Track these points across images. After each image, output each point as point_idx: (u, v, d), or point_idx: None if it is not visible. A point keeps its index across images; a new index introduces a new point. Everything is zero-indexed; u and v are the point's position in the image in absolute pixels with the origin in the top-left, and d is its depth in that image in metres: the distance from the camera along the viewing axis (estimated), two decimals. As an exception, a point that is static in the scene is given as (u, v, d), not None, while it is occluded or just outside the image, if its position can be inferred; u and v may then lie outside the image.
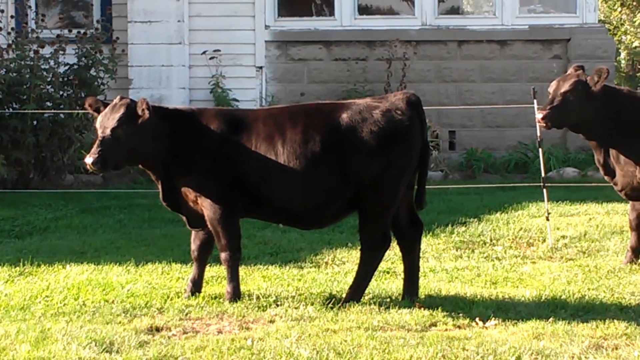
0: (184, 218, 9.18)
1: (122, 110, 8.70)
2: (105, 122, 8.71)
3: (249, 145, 8.76)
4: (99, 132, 8.74)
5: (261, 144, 8.75)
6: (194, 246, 9.17)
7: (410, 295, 8.95)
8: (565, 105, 9.98)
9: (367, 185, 8.71)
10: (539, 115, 9.99)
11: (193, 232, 9.18)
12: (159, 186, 9.07)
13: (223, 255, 8.90)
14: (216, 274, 9.82)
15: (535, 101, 12.71)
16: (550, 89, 10.16)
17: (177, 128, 8.89)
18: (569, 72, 10.38)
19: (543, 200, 12.27)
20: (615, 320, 8.26)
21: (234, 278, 8.95)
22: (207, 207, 8.82)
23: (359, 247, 8.93)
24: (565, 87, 10.04)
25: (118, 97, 8.91)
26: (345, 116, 8.75)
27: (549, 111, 9.98)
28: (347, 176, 8.70)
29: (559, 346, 7.55)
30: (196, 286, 9.14)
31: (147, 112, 8.65)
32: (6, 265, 10.51)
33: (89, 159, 8.62)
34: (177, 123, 8.93)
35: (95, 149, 8.65)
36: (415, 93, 9.03)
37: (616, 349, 7.53)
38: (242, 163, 8.76)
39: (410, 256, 9.06)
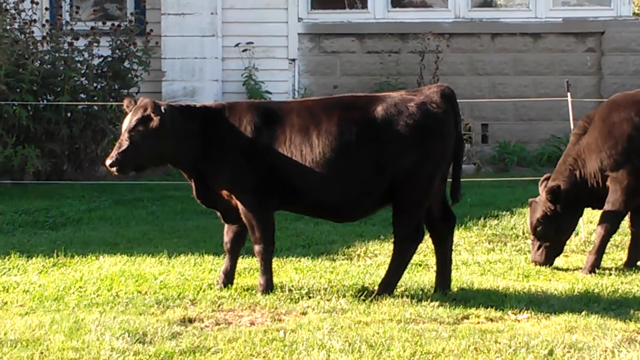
0: (219, 213, 9.19)
1: (139, 114, 8.74)
2: (125, 125, 8.76)
3: (282, 138, 8.75)
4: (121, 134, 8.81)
5: (296, 136, 8.73)
6: (226, 238, 9.18)
7: (442, 288, 8.95)
8: None
9: (402, 178, 8.70)
10: None
11: (226, 225, 9.19)
12: (192, 184, 9.10)
13: (257, 248, 8.91)
14: (248, 266, 9.84)
15: (568, 94, 12.67)
16: None
17: (206, 126, 8.90)
18: None
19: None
20: (648, 315, 8.26)
21: (267, 270, 8.96)
22: (241, 201, 8.83)
23: (392, 240, 8.92)
24: None
25: (141, 99, 8.92)
26: (380, 109, 8.74)
27: None
28: (382, 169, 8.69)
29: (592, 340, 7.53)
30: (228, 278, 9.16)
31: (155, 116, 8.67)
32: (40, 256, 10.57)
33: (108, 161, 8.74)
34: (205, 121, 8.93)
35: (114, 152, 8.76)
36: (449, 86, 9.01)
37: (649, 343, 7.52)
38: (277, 156, 8.75)
39: (443, 249, 9.05)
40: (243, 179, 8.83)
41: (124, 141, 8.74)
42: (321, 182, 8.72)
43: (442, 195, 9.07)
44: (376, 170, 8.71)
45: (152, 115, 8.70)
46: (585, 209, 10.78)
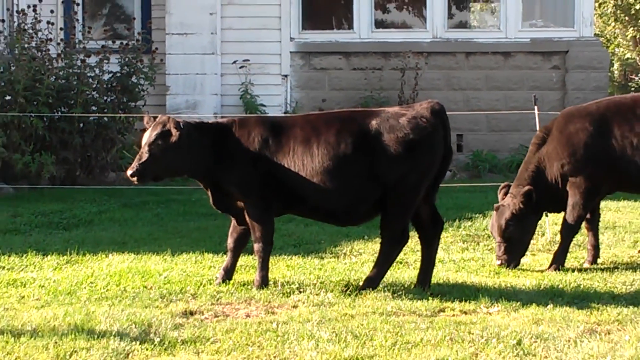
0: (233, 218, 9.21)
1: (158, 129, 8.81)
2: (145, 139, 8.83)
3: (286, 149, 8.80)
4: (142, 147, 8.86)
5: (298, 147, 8.77)
6: (230, 239, 9.19)
7: (422, 285, 8.93)
8: None
9: (392, 186, 8.70)
10: None
11: (231, 226, 9.21)
12: (208, 193, 9.15)
13: (256, 246, 8.92)
14: (244, 264, 9.82)
15: (536, 108, 12.69)
16: None
17: (219, 140, 8.95)
18: None
19: (542, 198, 12.23)
20: (608, 307, 8.25)
21: (264, 267, 8.97)
22: (247, 204, 8.87)
23: (376, 240, 8.93)
24: None
25: (160, 116, 9.00)
26: (374, 123, 8.75)
27: None
28: (375, 177, 8.70)
29: (557, 331, 7.54)
30: (228, 274, 9.16)
31: (175, 131, 8.74)
32: (55, 254, 10.54)
33: (129, 172, 8.85)
34: (218, 135, 8.98)
35: (135, 163, 8.85)
36: (439, 101, 9.01)
37: (609, 333, 7.52)
38: (280, 164, 8.79)
39: (429, 250, 9.05)
40: (250, 185, 8.86)
41: (144, 153, 8.81)
42: (320, 188, 8.73)
43: (432, 201, 9.08)
44: (370, 178, 8.71)
45: (172, 130, 8.75)
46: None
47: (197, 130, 8.97)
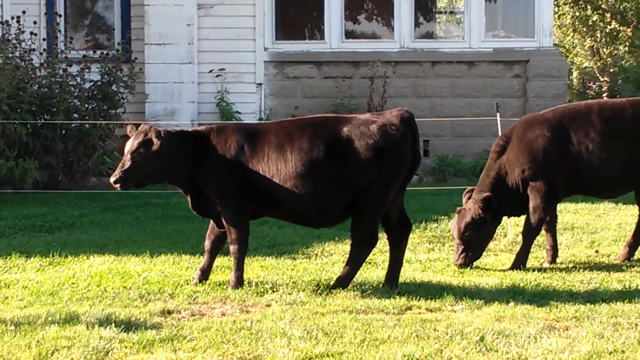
0: (211, 222, 9.20)
1: (140, 138, 8.84)
2: (127, 147, 8.84)
3: (261, 155, 8.79)
4: (124, 155, 8.86)
5: (272, 152, 8.76)
6: (208, 241, 9.19)
7: (390, 284, 8.94)
8: None
9: (362, 190, 8.70)
10: None
11: (209, 229, 9.21)
12: (188, 198, 9.15)
13: (232, 248, 8.91)
14: (220, 264, 9.80)
15: (498, 115, 12.74)
16: None
17: (197, 147, 8.95)
18: None
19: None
20: (566, 305, 8.28)
21: (239, 268, 8.96)
22: (224, 208, 8.87)
23: (346, 241, 8.93)
24: None
25: (142, 125, 9.01)
26: (346, 129, 8.75)
27: None
28: (346, 182, 8.69)
29: (518, 327, 7.56)
30: (204, 275, 9.16)
31: (157, 140, 8.76)
32: (37, 256, 10.49)
33: (112, 179, 8.88)
34: (197, 143, 8.99)
35: (117, 170, 8.88)
36: (408, 109, 9.02)
37: (567, 329, 7.55)
38: (256, 170, 8.78)
39: (397, 251, 9.05)
40: (227, 189, 8.85)
41: (126, 161, 8.85)
42: (294, 192, 8.72)
43: (400, 204, 9.09)
44: (341, 183, 8.70)
45: (154, 139, 8.76)
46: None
47: (176, 139, 8.97)
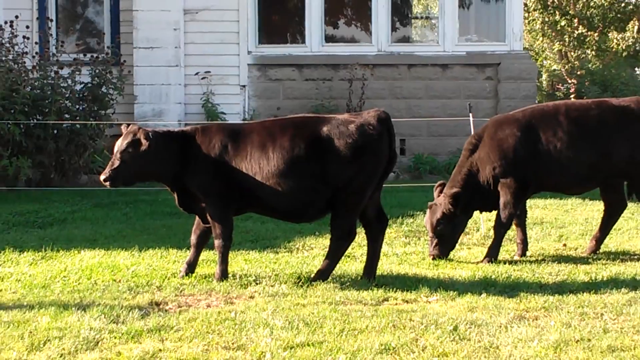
0: (197, 217, 9.19)
1: (129, 138, 8.84)
2: (117, 147, 8.81)
3: (244, 153, 8.79)
4: (113, 154, 8.85)
5: (255, 151, 8.76)
6: (194, 236, 9.19)
7: (368, 277, 8.95)
8: None
9: (341, 187, 8.70)
10: None
11: (195, 224, 9.21)
12: (174, 195, 9.14)
13: (217, 242, 8.90)
14: (205, 258, 9.78)
15: (470, 115, 12.77)
16: None
17: (183, 147, 8.94)
18: None
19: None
20: (535, 296, 8.31)
21: (223, 262, 8.95)
22: (209, 204, 8.86)
23: (326, 235, 8.93)
24: None
25: (131, 126, 9.01)
26: (325, 129, 8.75)
27: None
28: (326, 179, 8.69)
29: (489, 317, 7.59)
30: (190, 268, 9.14)
31: (145, 141, 8.76)
32: (30, 251, 10.45)
33: (102, 177, 8.89)
34: (183, 143, 8.98)
35: (107, 169, 8.89)
36: (385, 110, 9.03)
37: (536, 319, 7.58)
38: (239, 168, 8.78)
39: (374, 245, 9.06)
40: (211, 187, 8.85)
41: (115, 160, 8.85)
42: (275, 189, 8.71)
43: (377, 200, 9.09)
44: (321, 180, 8.70)
45: (142, 140, 8.75)
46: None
47: (163, 139, 8.96)
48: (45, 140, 15.69)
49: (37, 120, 15.78)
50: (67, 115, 16.04)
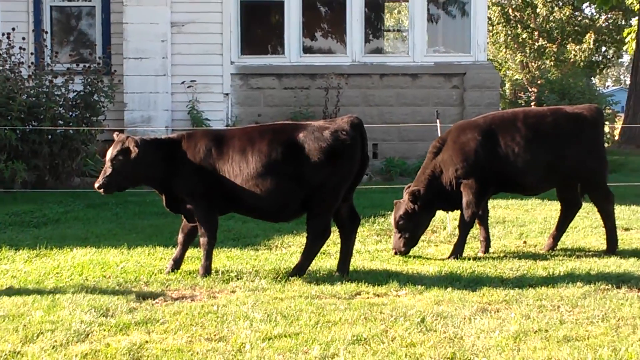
0: (183, 217, 9.17)
1: (118, 146, 8.84)
2: (108, 155, 8.80)
3: (226, 157, 8.79)
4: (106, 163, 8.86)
5: (236, 155, 8.76)
6: (181, 234, 9.20)
7: (342, 272, 8.96)
8: None
9: (316, 189, 8.70)
10: None
11: (182, 224, 9.21)
12: (163, 197, 9.12)
13: (202, 240, 8.89)
14: (190, 255, 9.75)
15: (438, 121, 12.80)
16: None
17: (170, 153, 8.94)
18: None
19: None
20: (497, 290, 8.33)
21: (208, 258, 8.94)
22: (195, 205, 8.86)
23: (304, 234, 8.91)
24: None
25: (120, 135, 9.04)
26: (302, 134, 8.75)
27: None
28: (301, 181, 8.68)
29: (454, 309, 7.60)
30: (176, 264, 9.14)
31: (135, 149, 8.77)
32: (25, 249, 10.40)
33: (96, 185, 8.93)
34: (170, 149, 8.97)
35: (100, 177, 8.91)
36: (358, 116, 9.03)
37: (497, 311, 7.59)
38: (221, 171, 8.78)
39: (347, 243, 9.07)
40: (197, 189, 8.84)
41: (107, 168, 8.86)
42: (255, 190, 8.71)
43: (350, 201, 9.10)
44: (298, 182, 8.69)
45: (132, 148, 8.77)
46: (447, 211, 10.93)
47: (152, 146, 8.96)
48: (40, 144, 15.63)
49: (32, 126, 15.71)
50: (60, 122, 15.97)
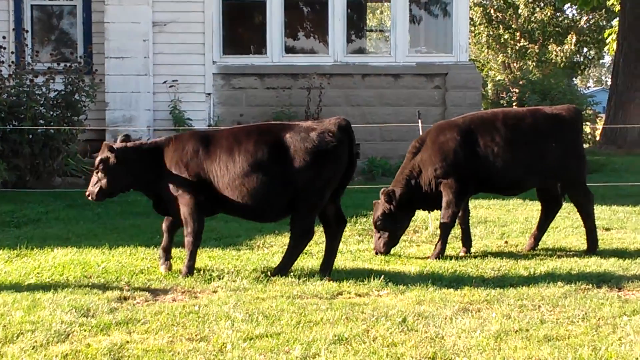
0: (171, 218, 9.19)
1: (100, 155, 8.95)
2: (94, 163, 8.98)
3: (214, 157, 8.81)
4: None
5: (223, 155, 8.77)
6: (166, 223, 9.30)
7: (324, 272, 8.96)
8: None
9: (301, 190, 8.70)
10: None
11: (166, 217, 9.27)
12: (152, 199, 9.20)
13: (187, 240, 8.90)
14: (172, 255, 9.72)
15: (419, 121, 12.82)
16: None
17: (155, 157, 8.98)
18: None
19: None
20: (479, 289, 8.36)
21: (192, 258, 8.94)
22: (181, 205, 8.88)
23: (285, 234, 8.90)
24: None
25: (103, 144, 9.08)
26: (289, 135, 8.75)
27: None
28: (287, 182, 8.68)
29: (436, 309, 7.62)
30: (167, 252, 9.22)
31: (110, 154, 8.91)
32: (6, 249, 10.35)
33: (87, 194, 9.09)
34: (154, 154, 9.02)
35: (89, 187, 9.09)
36: (345, 118, 9.03)
37: (479, 311, 7.62)
38: (209, 171, 8.81)
39: (332, 243, 9.08)
40: (184, 189, 8.84)
41: (94, 177, 9.04)
42: (241, 190, 8.71)
43: (337, 202, 9.10)
44: (283, 183, 8.69)
45: (107, 154, 8.85)
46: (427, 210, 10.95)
47: (135, 153, 9.03)
48: (21, 144, 15.56)
49: (13, 125, 15.64)
50: (41, 121, 15.90)
